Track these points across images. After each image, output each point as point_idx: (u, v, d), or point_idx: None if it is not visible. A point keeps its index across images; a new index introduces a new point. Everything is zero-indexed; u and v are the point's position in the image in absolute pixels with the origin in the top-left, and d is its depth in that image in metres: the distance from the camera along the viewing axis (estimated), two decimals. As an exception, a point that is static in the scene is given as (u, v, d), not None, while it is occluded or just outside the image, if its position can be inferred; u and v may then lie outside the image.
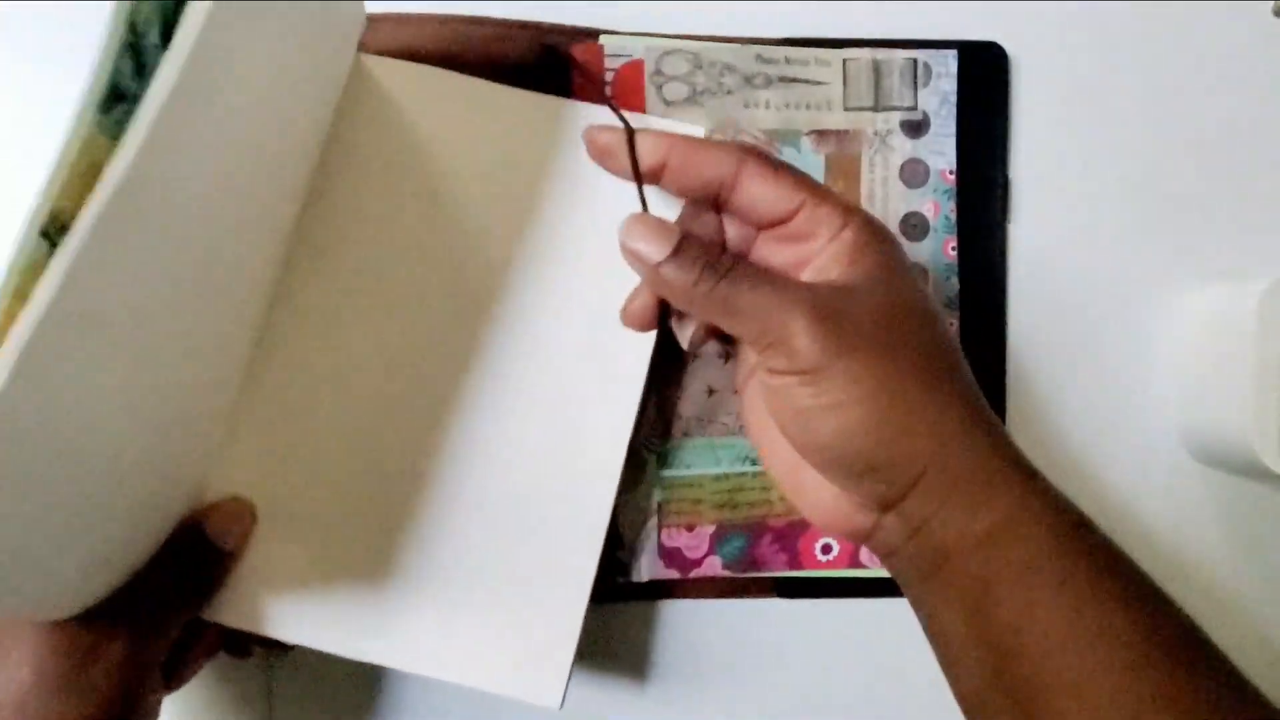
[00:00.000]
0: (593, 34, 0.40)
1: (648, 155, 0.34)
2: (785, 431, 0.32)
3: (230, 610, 0.35)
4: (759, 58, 0.40)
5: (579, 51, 0.39)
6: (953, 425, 0.30)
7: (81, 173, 0.24)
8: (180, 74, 0.24)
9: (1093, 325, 0.42)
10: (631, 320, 0.36)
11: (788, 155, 0.41)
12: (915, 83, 0.41)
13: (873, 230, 0.32)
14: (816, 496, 0.33)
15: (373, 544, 0.36)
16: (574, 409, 0.37)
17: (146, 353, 0.29)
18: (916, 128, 0.41)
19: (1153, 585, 0.30)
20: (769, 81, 0.41)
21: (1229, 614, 0.42)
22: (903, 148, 0.41)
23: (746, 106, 0.40)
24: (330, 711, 0.41)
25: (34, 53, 0.41)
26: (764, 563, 0.40)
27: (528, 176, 0.37)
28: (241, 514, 0.35)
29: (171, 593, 0.33)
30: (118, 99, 0.24)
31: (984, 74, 0.41)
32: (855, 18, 0.41)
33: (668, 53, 0.40)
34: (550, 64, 0.40)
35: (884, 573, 0.36)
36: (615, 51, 0.40)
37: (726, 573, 0.40)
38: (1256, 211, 0.43)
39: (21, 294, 0.23)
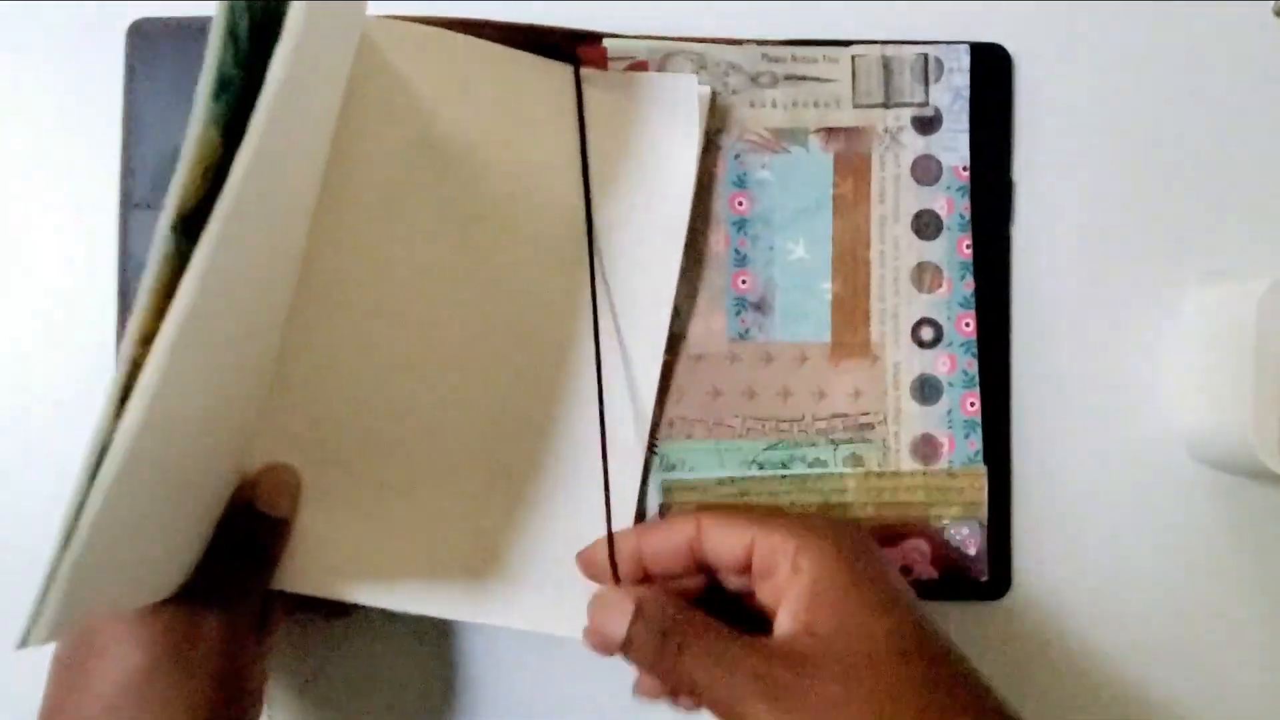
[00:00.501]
0: (596, 37, 0.40)
1: (626, 564, 0.35)
2: None
3: (292, 577, 0.36)
4: (765, 57, 0.40)
5: (583, 54, 0.39)
6: None
7: (194, 165, 0.25)
8: (287, 70, 0.25)
9: (1093, 325, 0.42)
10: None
11: (795, 154, 0.40)
12: (927, 78, 0.41)
13: (824, 555, 0.31)
14: None
15: (424, 502, 0.37)
16: (599, 366, 0.37)
17: (228, 341, 0.30)
18: (928, 124, 0.41)
19: None
20: (775, 80, 0.40)
21: (1229, 614, 0.42)
22: (914, 144, 0.41)
23: (753, 106, 0.40)
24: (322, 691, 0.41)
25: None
26: None
27: (544, 140, 0.38)
28: (286, 480, 0.36)
29: (243, 564, 0.35)
30: (222, 87, 0.25)
31: (989, 75, 0.41)
32: (852, 20, 0.41)
33: (671, 54, 0.40)
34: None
35: None
36: (619, 54, 0.40)
37: None
38: (1256, 211, 0.43)
39: (164, 288, 0.24)
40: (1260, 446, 0.38)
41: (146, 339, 0.24)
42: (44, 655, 0.40)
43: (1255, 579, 0.43)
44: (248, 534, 0.35)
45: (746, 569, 0.33)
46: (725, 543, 0.33)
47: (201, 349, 0.26)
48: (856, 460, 0.40)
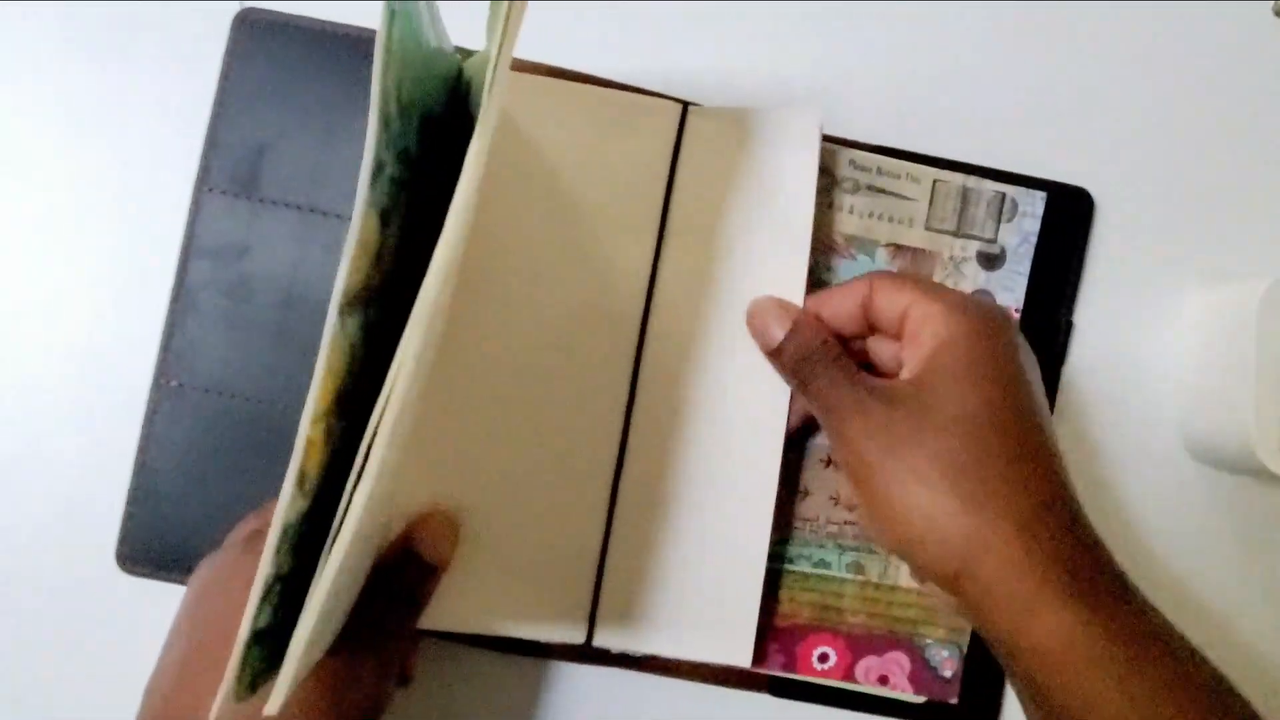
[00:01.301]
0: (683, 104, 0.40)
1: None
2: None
3: (434, 615, 0.37)
4: (852, 163, 0.41)
5: None
6: (995, 539, 0.30)
7: (360, 250, 0.26)
8: (481, 163, 0.27)
9: (1093, 325, 0.42)
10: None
11: (861, 263, 0.41)
12: (1000, 216, 0.41)
13: (959, 327, 0.33)
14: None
15: (560, 536, 0.38)
16: (731, 395, 0.38)
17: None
18: (992, 260, 0.41)
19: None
20: (857, 187, 0.41)
21: (1229, 614, 0.42)
22: (975, 277, 0.41)
23: (831, 208, 0.41)
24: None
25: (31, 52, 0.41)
26: (760, 659, 0.40)
27: (660, 180, 0.39)
28: (448, 527, 0.37)
29: (400, 609, 0.35)
30: (377, 171, 0.27)
31: (1068, 217, 0.42)
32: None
33: None
34: None
35: (876, 690, 0.40)
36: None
37: None
38: (1256, 211, 0.43)
39: (333, 370, 0.26)
40: (1260, 446, 0.38)
41: (318, 418, 0.26)
42: (41, 661, 0.40)
43: (1255, 579, 0.43)
44: (407, 579, 0.35)
45: (900, 332, 0.35)
46: (890, 300, 0.35)
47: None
48: (858, 568, 0.40)
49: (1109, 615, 0.30)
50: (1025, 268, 0.42)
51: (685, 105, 0.39)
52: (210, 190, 0.40)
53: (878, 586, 0.40)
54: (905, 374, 0.34)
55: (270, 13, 0.41)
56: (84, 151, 0.41)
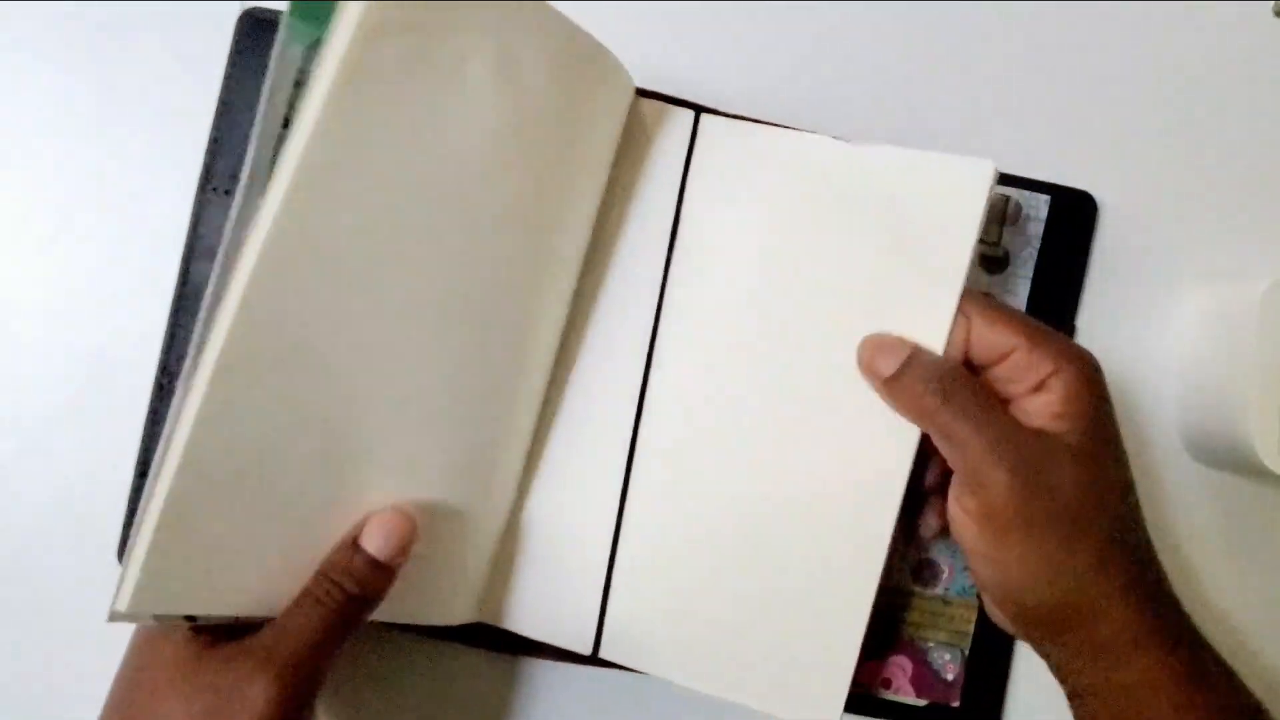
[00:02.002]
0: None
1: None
2: (955, 538, 0.35)
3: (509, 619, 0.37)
4: None
5: None
6: (1111, 595, 0.32)
7: None
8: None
9: (1094, 325, 0.42)
10: None
11: None
12: (1003, 220, 0.41)
13: (1083, 382, 0.33)
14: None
15: (665, 571, 0.37)
16: (854, 436, 0.36)
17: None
18: (996, 264, 0.41)
19: None
20: None
21: (1228, 614, 0.42)
22: (977, 281, 0.41)
23: None
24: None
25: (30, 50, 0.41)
26: None
27: (815, 222, 0.38)
28: (401, 524, 0.33)
29: (324, 618, 0.32)
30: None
31: (1071, 221, 0.42)
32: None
33: None
34: None
35: (879, 693, 0.40)
36: None
37: None
38: (1256, 211, 0.43)
39: None
40: (1260, 446, 0.38)
41: None
42: (39, 661, 0.40)
43: (1255, 579, 0.43)
44: (342, 575, 0.32)
45: (988, 366, 0.34)
46: (991, 341, 0.34)
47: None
48: None
49: (1190, 658, 0.32)
50: (1029, 271, 0.42)
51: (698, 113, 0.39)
52: (214, 190, 0.40)
53: (881, 590, 0.40)
54: (1032, 420, 0.33)
55: (273, 12, 0.41)
56: (88, 152, 0.41)
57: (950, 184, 0.36)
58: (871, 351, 0.35)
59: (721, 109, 0.39)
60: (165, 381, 0.40)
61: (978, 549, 0.33)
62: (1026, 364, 0.33)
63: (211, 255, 0.40)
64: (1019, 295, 0.41)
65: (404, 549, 0.33)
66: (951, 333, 0.35)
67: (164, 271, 0.40)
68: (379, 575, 0.33)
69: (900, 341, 0.35)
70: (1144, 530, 0.34)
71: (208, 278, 0.39)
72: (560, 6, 0.34)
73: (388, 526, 0.33)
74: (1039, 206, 0.42)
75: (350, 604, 0.32)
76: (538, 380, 0.38)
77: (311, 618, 0.31)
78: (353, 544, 0.33)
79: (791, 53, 0.43)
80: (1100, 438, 0.33)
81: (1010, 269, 0.41)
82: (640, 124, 0.39)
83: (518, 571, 0.38)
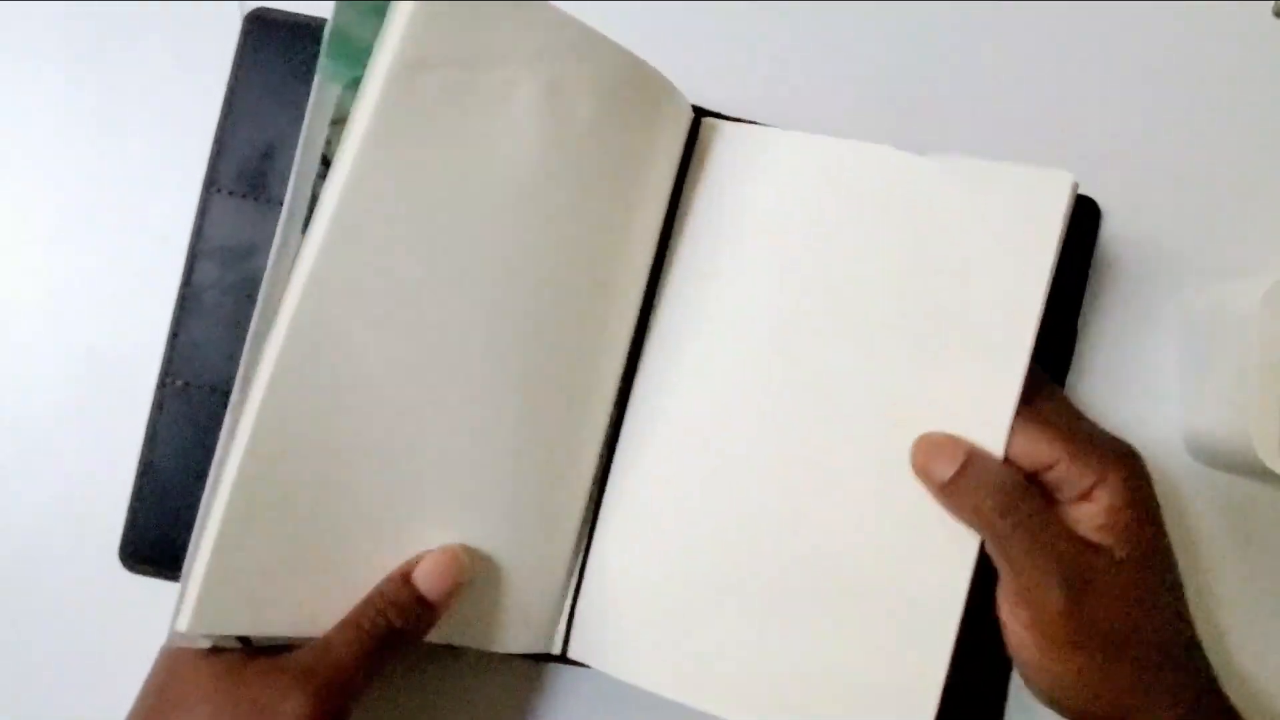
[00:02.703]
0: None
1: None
2: (1006, 641, 0.34)
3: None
4: None
5: None
6: (1156, 706, 0.33)
7: None
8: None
9: (1093, 324, 0.42)
10: None
11: None
12: None
13: (1128, 490, 0.33)
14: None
15: (735, 595, 0.36)
16: (907, 524, 0.35)
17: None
18: None
19: None
20: None
21: (1228, 614, 0.42)
22: None
23: None
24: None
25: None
26: None
27: (882, 241, 0.36)
28: (457, 565, 0.33)
29: (357, 657, 0.32)
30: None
31: (1074, 225, 0.40)
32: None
33: None
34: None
35: None
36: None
37: None
38: (1256, 211, 0.43)
39: None
40: (1260, 446, 0.38)
41: None
42: (34, 663, 0.40)
43: (1255, 579, 0.43)
44: (388, 606, 0.32)
45: (1038, 472, 0.34)
46: (1032, 454, 0.33)
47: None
48: None
49: None
50: None
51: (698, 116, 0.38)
52: (218, 191, 0.40)
53: None
54: (1079, 528, 0.33)
55: (279, 12, 0.41)
56: (90, 152, 0.42)
57: (1019, 203, 0.34)
58: (926, 455, 0.34)
59: (729, 113, 0.39)
60: (168, 382, 0.40)
61: (1028, 658, 0.33)
62: (1069, 475, 0.33)
63: (215, 256, 0.40)
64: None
65: (454, 591, 0.33)
66: (1014, 409, 0.33)
67: (167, 272, 0.41)
68: (425, 612, 0.33)
69: (955, 444, 0.33)
70: (1191, 628, 0.34)
71: (210, 278, 0.40)
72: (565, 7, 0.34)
73: (441, 566, 0.33)
74: None
75: (392, 635, 0.32)
76: (599, 413, 0.37)
77: (353, 643, 0.32)
78: (403, 578, 0.33)
79: (781, 52, 0.43)
80: (1147, 546, 0.33)
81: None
82: (696, 143, 0.39)
83: (599, 608, 0.37)
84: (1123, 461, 0.33)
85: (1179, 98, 0.43)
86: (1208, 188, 0.43)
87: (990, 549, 0.33)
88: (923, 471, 0.34)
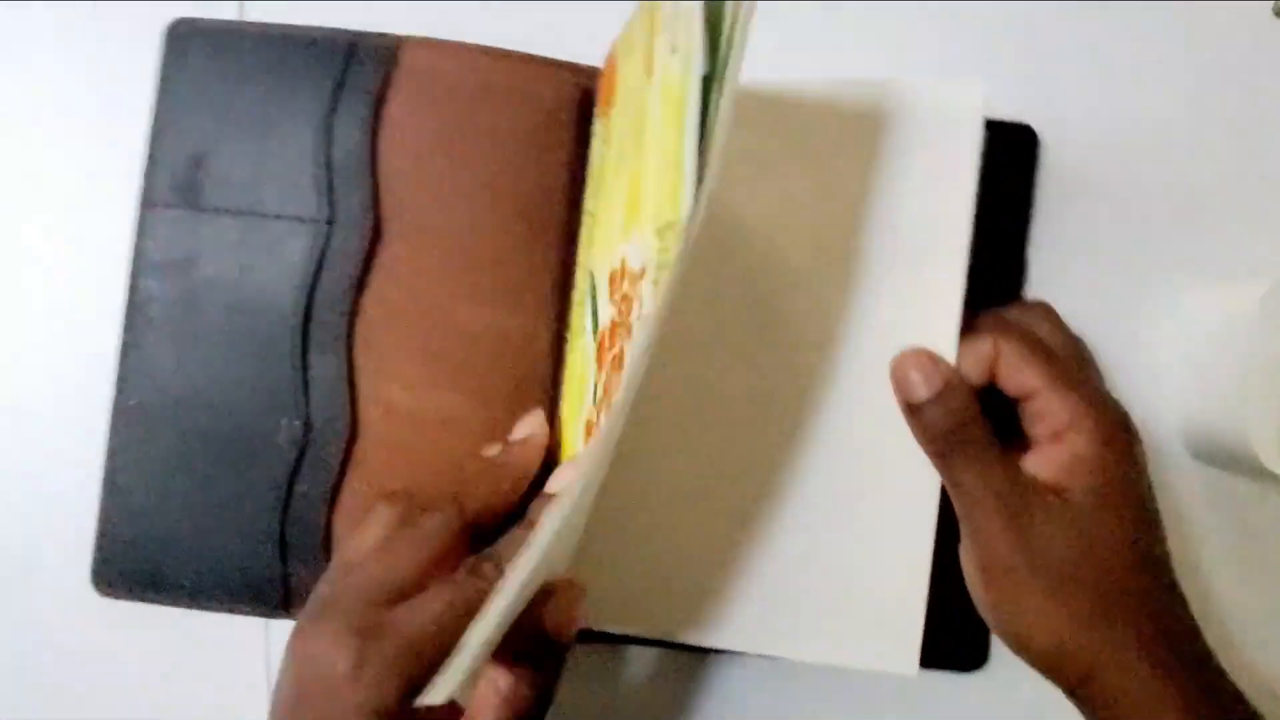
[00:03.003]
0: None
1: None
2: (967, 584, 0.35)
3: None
4: None
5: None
6: (1120, 653, 0.32)
7: None
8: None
9: (1093, 325, 0.42)
10: None
11: None
12: None
13: (1098, 443, 0.33)
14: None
15: (711, 534, 0.37)
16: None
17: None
18: None
19: None
20: None
21: (1228, 614, 0.42)
22: None
23: None
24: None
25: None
26: None
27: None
28: (578, 598, 0.32)
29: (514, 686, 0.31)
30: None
31: (1012, 153, 0.41)
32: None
33: None
34: (588, 108, 0.40)
35: None
36: None
37: None
38: (1256, 211, 0.43)
39: None
40: (1260, 446, 0.38)
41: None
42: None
43: (1255, 579, 0.43)
44: (531, 654, 0.31)
45: (1022, 401, 0.34)
46: (1015, 379, 0.34)
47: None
48: None
49: (1218, 710, 0.33)
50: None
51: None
52: (154, 205, 0.40)
53: None
54: (1044, 469, 0.33)
55: (202, 21, 0.40)
56: (31, 172, 0.41)
57: (936, 113, 0.35)
58: (903, 369, 0.34)
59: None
60: (122, 402, 0.39)
61: (980, 598, 0.34)
62: (1046, 408, 0.33)
63: (158, 270, 0.39)
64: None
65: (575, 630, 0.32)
66: (960, 313, 0.34)
67: (112, 289, 0.40)
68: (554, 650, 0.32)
69: (934, 364, 0.34)
70: (1180, 604, 0.34)
71: (154, 293, 0.39)
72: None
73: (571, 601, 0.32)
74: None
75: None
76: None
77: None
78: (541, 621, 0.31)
79: None
80: (1111, 502, 0.33)
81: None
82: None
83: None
84: (1105, 414, 0.33)
85: (1178, 97, 0.43)
86: (1208, 188, 0.43)
87: (952, 488, 0.34)
88: (900, 384, 0.34)
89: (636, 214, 0.32)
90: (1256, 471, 0.39)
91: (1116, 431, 0.33)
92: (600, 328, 0.35)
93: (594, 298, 0.36)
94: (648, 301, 0.29)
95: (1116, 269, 0.42)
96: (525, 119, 0.39)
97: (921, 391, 0.34)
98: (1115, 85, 0.43)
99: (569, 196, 0.39)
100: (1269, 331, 0.38)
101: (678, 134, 0.28)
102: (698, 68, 0.27)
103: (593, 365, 0.35)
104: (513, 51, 0.39)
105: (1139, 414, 0.42)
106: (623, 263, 0.33)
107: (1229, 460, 0.41)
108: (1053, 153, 0.43)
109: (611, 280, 0.34)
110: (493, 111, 0.39)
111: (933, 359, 0.34)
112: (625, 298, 0.32)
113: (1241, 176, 0.43)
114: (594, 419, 0.33)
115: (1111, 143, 0.43)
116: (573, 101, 0.39)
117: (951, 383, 0.34)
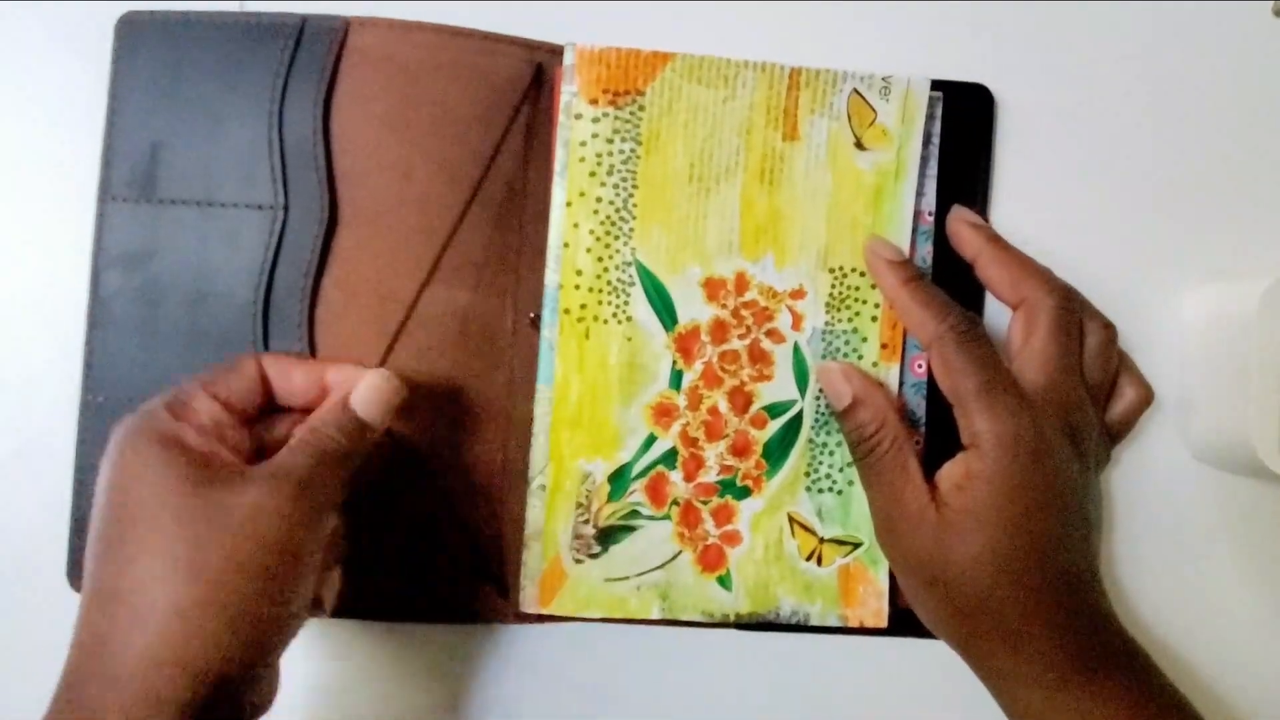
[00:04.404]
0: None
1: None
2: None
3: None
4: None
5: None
6: (980, 658, 0.35)
7: None
8: None
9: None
10: None
11: None
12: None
13: (994, 458, 0.34)
14: None
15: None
16: None
17: None
18: None
19: None
20: None
21: (1229, 614, 0.42)
22: None
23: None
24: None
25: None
26: None
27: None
28: (387, 389, 0.35)
29: (313, 464, 0.33)
30: None
31: (969, 115, 0.41)
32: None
33: None
34: (539, 82, 0.40)
35: None
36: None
37: None
38: (1256, 211, 0.43)
39: None
40: (1260, 446, 0.38)
41: None
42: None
43: (1255, 579, 0.43)
44: (334, 430, 0.33)
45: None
46: (942, 384, 0.36)
47: None
48: None
49: (1124, 691, 0.34)
50: (933, 170, 0.41)
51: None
52: (112, 199, 0.39)
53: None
54: (942, 482, 0.35)
55: (153, 13, 0.40)
56: None
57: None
58: (829, 378, 0.38)
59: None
60: (89, 399, 0.39)
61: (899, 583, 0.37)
62: (960, 421, 0.35)
63: (119, 264, 0.39)
64: (928, 195, 0.41)
65: (388, 413, 0.35)
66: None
67: (73, 284, 0.40)
68: (365, 433, 0.34)
69: (845, 379, 0.37)
70: (1068, 611, 0.34)
71: (116, 287, 0.39)
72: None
73: (375, 391, 0.34)
74: (934, 105, 0.40)
75: (339, 453, 0.33)
76: None
77: (308, 455, 0.33)
78: (343, 404, 0.34)
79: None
80: (984, 518, 0.34)
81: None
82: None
83: None
84: (1006, 429, 0.34)
85: (1179, 97, 0.43)
86: (1208, 187, 0.43)
87: (866, 482, 0.37)
88: (830, 393, 0.38)
89: (773, 242, 0.39)
90: (1257, 471, 0.39)
91: (1017, 448, 0.34)
92: (680, 322, 0.39)
93: (652, 290, 0.39)
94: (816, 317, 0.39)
95: (1116, 269, 0.42)
96: (477, 96, 0.39)
97: (837, 404, 0.38)
98: (1115, 85, 0.43)
99: (525, 173, 0.40)
100: (1269, 331, 0.38)
101: (868, 206, 0.40)
102: (915, 157, 0.40)
103: (666, 353, 0.39)
104: (462, 28, 0.39)
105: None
106: (738, 275, 0.39)
107: (1229, 460, 0.41)
108: (1053, 152, 0.43)
109: (707, 285, 0.39)
110: (443, 89, 0.39)
111: (845, 372, 0.38)
112: (750, 305, 0.39)
113: (1242, 176, 0.43)
114: (679, 402, 0.39)
115: (1112, 142, 0.43)
116: (525, 78, 0.40)
117: (859, 398, 0.37)
